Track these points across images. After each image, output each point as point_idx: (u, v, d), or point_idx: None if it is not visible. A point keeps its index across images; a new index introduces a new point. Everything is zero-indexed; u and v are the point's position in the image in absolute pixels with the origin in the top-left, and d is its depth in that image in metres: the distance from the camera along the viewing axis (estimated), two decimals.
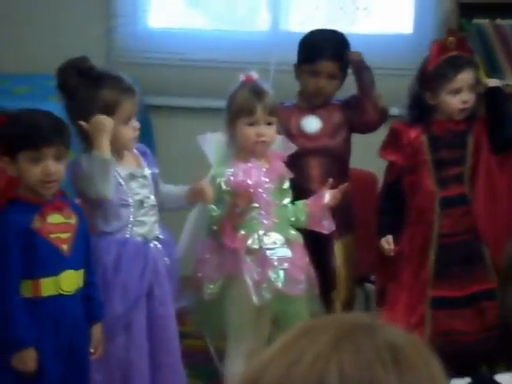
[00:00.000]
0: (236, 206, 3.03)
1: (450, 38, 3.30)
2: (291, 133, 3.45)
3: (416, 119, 3.33)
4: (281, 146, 3.25)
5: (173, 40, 4.48)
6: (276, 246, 3.10)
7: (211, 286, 3.11)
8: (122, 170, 2.92)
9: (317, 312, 3.20)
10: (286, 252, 3.11)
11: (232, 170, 3.12)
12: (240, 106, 3.12)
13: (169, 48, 4.45)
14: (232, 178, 3.07)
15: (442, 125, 3.33)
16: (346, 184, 3.25)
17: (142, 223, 2.93)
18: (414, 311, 3.29)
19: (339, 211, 3.28)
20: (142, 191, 2.96)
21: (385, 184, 3.47)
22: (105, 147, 2.78)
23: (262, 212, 3.08)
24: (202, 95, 4.40)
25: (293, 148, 3.26)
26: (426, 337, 3.20)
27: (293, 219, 3.20)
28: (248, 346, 3.10)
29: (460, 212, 3.32)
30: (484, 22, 4.04)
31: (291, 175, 3.23)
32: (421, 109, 3.32)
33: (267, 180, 3.14)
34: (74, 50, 4.47)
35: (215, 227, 3.09)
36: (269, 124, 3.13)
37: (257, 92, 3.13)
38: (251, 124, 3.11)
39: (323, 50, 3.48)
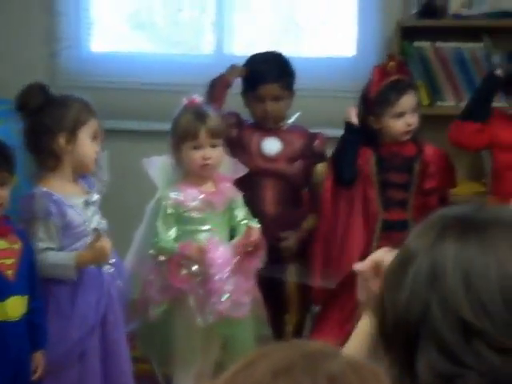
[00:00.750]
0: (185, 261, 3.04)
1: (390, 63, 3.34)
2: (250, 151, 3.47)
3: (364, 141, 3.36)
4: (230, 168, 3.26)
5: (117, 63, 4.48)
6: (221, 270, 3.08)
7: (156, 309, 3.10)
8: (77, 199, 2.91)
9: (265, 335, 3.20)
10: (231, 275, 3.10)
11: (176, 192, 3.12)
12: (184, 130, 3.13)
13: (113, 71, 4.44)
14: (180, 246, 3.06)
15: (389, 148, 3.36)
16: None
17: None
18: (342, 329, 3.30)
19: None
20: (94, 218, 2.96)
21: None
22: (83, 264, 2.82)
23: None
24: (148, 118, 4.40)
25: (242, 170, 3.27)
26: None
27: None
28: (195, 371, 3.09)
29: (399, 237, 3.31)
30: (425, 44, 4.11)
31: (241, 194, 3.24)
32: (367, 132, 3.35)
33: (215, 203, 3.14)
34: (18, 74, 4.47)
35: (162, 258, 3.08)
36: (214, 146, 3.14)
37: (200, 115, 3.14)
38: (196, 147, 3.12)
39: (263, 74, 3.49)
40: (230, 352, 3.16)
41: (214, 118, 3.17)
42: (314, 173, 3.55)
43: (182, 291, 3.05)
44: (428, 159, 3.38)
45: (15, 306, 2.67)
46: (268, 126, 3.51)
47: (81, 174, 2.98)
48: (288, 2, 4.54)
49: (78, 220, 2.88)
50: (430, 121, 3.82)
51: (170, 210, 3.10)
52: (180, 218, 3.12)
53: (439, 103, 4.13)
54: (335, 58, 4.40)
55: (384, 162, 3.34)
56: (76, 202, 2.90)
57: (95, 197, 2.99)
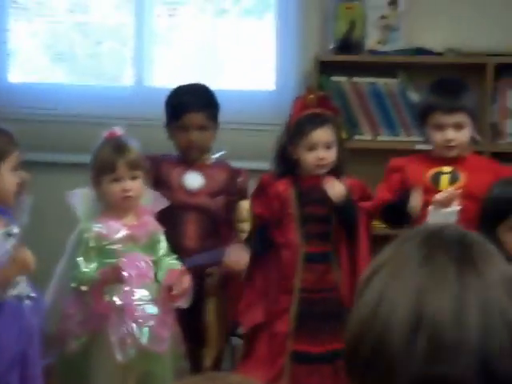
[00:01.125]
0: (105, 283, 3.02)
1: (309, 96, 3.36)
2: (171, 185, 3.46)
3: (283, 172, 3.35)
4: (152, 201, 3.26)
5: (36, 95, 4.44)
6: (142, 302, 3.08)
7: (75, 342, 3.07)
8: None
9: (182, 369, 3.20)
10: (153, 309, 3.09)
11: (99, 225, 3.11)
12: (102, 163, 3.12)
13: (32, 103, 4.41)
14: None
15: (308, 180, 3.34)
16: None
17: (16, 283, 2.87)
18: (274, 363, 3.31)
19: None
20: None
21: (248, 235, 3.45)
22: (6, 279, 2.78)
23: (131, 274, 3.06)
24: (67, 150, 4.37)
25: (164, 203, 3.27)
26: None
27: (159, 277, 3.19)
28: None
29: (322, 269, 3.31)
30: (342, 79, 4.19)
31: (162, 229, 3.23)
32: (286, 163, 3.34)
33: (137, 236, 3.14)
34: None
35: (84, 288, 3.05)
36: (134, 178, 3.13)
37: (118, 148, 3.14)
38: (115, 180, 3.11)
39: (187, 103, 3.50)
40: None
41: (133, 149, 3.16)
42: (236, 209, 3.55)
43: (102, 324, 3.02)
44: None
45: None
46: (192, 157, 3.50)
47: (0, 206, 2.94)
48: (209, 36, 4.59)
49: None
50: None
51: (91, 243, 3.09)
52: (102, 250, 3.10)
53: (357, 137, 4.20)
54: (256, 92, 4.46)
55: (303, 196, 3.33)
56: None
57: (15, 229, 2.95)
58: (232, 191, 3.54)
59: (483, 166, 3.36)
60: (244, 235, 3.46)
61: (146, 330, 3.05)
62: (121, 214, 3.15)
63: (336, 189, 3.25)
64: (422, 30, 4.24)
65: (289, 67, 4.32)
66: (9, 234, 2.91)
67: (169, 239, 3.26)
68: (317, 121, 3.29)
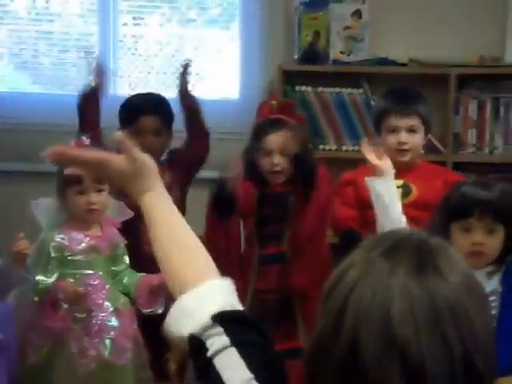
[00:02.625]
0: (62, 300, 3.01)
1: (272, 102, 3.40)
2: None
3: (250, 175, 3.35)
4: (116, 211, 3.23)
5: (1, 103, 4.42)
6: (104, 314, 3.07)
7: (36, 354, 3.04)
8: None
9: (145, 379, 3.19)
10: (114, 321, 3.08)
11: (61, 235, 3.10)
12: (68, 175, 3.08)
13: None
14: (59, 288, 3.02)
15: (264, 183, 3.36)
16: None
17: None
18: None
19: None
20: None
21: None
22: None
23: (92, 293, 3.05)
24: (32, 159, 4.34)
25: (128, 214, 3.25)
26: None
27: (122, 288, 3.19)
28: None
29: (276, 270, 3.35)
30: (307, 89, 4.22)
31: (124, 241, 3.22)
32: (250, 166, 3.34)
33: (100, 247, 3.13)
34: None
35: (36, 298, 3.03)
36: (99, 191, 3.11)
37: None
38: (81, 192, 3.08)
39: (142, 106, 3.53)
40: None
41: None
42: None
43: (63, 336, 3.01)
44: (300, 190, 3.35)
45: None
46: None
47: None
48: (175, 45, 4.59)
49: None
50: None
51: (53, 253, 3.06)
52: (64, 261, 3.07)
53: (321, 146, 4.23)
54: (220, 101, 4.47)
55: (262, 197, 3.36)
56: None
57: None
58: (179, 180, 3.56)
59: (432, 173, 3.40)
60: None
61: (107, 341, 3.04)
62: (85, 225, 3.13)
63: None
64: (386, 40, 4.28)
65: (253, 76, 4.34)
66: None
67: (131, 249, 3.26)
68: (274, 126, 3.31)
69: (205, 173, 4.18)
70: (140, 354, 3.17)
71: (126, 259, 3.23)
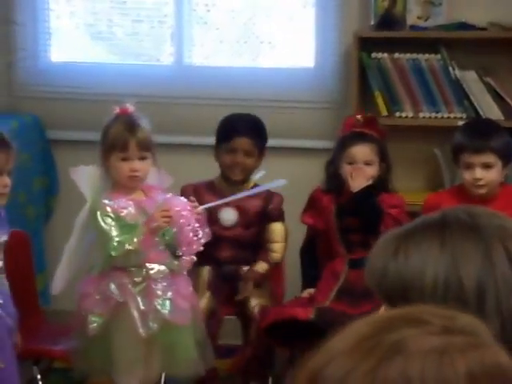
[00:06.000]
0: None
1: (357, 117, 3.64)
2: (209, 219, 3.58)
3: (330, 188, 3.60)
4: (157, 179, 3.21)
5: (76, 74, 4.44)
6: (160, 276, 3.07)
7: (95, 320, 3.06)
8: None
9: (200, 341, 3.21)
10: (170, 283, 3.09)
11: (109, 200, 3.06)
12: (113, 141, 3.07)
13: (71, 82, 4.41)
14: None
15: (348, 194, 3.54)
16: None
17: None
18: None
19: None
20: None
21: (304, 243, 3.74)
22: None
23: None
24: None
25: (169, 181, 3.22)
26: None
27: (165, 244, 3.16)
28: (140, 381, 3.08)
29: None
30: (383, 56, 4.14)
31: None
32: (334, 178, 3.58)
33: (147, 208, 3.09)
34: None
35: (129, 247, 3.00)
36: (142, 159, 3.09)
37: (130, 126, 3.09)
38: (124, 159, 3.06)
39: (239, 127, 3.68)
40: (172, 359, 3.15)
41: (144, 129, 3.11)
42: (268, 230, 3.71)
43: (123, 301, 3.02)
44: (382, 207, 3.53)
45: None
46: (234, 177, 3.65)
47: None
48: (247, 14, 4.55)
49: None
50: (390, 131, 3.84)
51: (111, 215, 3.04)
52: (119, 224, 3.05)
53: (397, 114, 4.15)
54: (294, 69, 4.42)
55: (342, 210, 3.56)
56: None
57: (3, 238, 2.97)
58: (265, 218, 3.71)
59: None
60: (275, 255, 3.70)
61: (167, 302, 3.05)
62: (128, 191, 3.11)
63: (357, 179, 3.50)
64: (465, 4, 4.16)
65: (328, 44, 4.28)
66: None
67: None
68: (358, 138, 3.56)
69: (281, 142, 4.20)
70: (196, 315, 3.18)
71: None
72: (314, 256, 3.69)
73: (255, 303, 3.59)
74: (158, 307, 3.03)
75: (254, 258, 3.68)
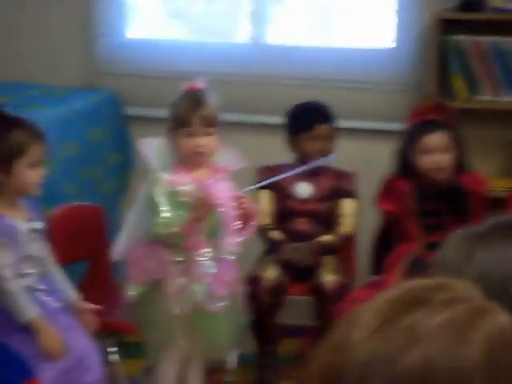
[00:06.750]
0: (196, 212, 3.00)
1: (426, 103, 3.63)
2: (284, 194, 3.75)
3: (403, 172, 3.58)
4: (228, 160, 3.18)
5: (152, 51, 4.47)
6: (204, 259, 3.07)
7: (134, 289, 3.08)
8: (22, 224, 2.94)
9: (241, 324, 3.22)
10: (212, 267, 3.07)
11: (170, 174, 3.06)
12: (178, 117, 3.07)
13: (148, 59, 4.43)
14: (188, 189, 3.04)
15: (425, 179, 3.54)
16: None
17: (26, 276, 2.96)
18: None
19: None
20: (34, 245, 2.99)
21: (379, 229, 3.75)
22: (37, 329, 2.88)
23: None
24: None
25: (241, 163, 3.19)
26: None
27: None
28: (179, 355, 3.11)
29: None
30: (463, 38, 4.07)
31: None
32: (405, 166, 3.57)
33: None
34: (54, 60, 4.49)
35: (175, 229, 3.00)
36: (208, 135, 3.07)
37: (196, 102, 3.07)
38: (189, 135, 3.06)
39: (318, 115, 3.77)
40: (207, 344, 3.15)
41: (210, 105, 3.09)
42: (339, 205, 3.78)
43: (162, 278, 3.03)
44: (466, 187, 3.53)
45: None
46: (312, 162, 3.69)
47: (25, 197, 3.01)
48: None
49: (19, 244, 2.92)
50: (467, 114, 3.79)
51: (164, 190, 3.03)
52: (171, 199, 3.04)
53: (477, 97, 4.08)
54: (371, 50, 4.37)
55: (420, 192, 3.55)
56: (20, 227, 2.94)
57: (39, 224, 3.01)
58: (338, 194, 3.78)
59: None
60: (343, 228, 3.76)
61: (202, 287, 3.04)
62: (193, 167, 3.10)
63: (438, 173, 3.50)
64: None
65: (408, 25, 4.22)
66: (32, 229, 2.98)
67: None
68: (431, 126, 3.53)
69: (361, 123, 4.19)
70: (237, 301, 3.17)
71: None
72: (391, 241, 3.68)
73: (330, 279, 3.61)
74: (193, 290, 3.03)
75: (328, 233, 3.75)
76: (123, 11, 4.51)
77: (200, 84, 3.13)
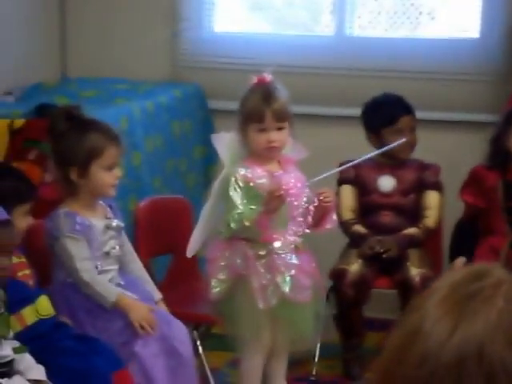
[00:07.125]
0: (268, 205, 2.98)
1: None
2: (367, 188, 3.77)
3: (495, 164, 3.48)
4: (292, 150, 3.16)
5: (236, 44, 4.49)
6: (284, 251, 3.06)
7: (217, 286, 3.09)
8: (97, 222, 2.99)
9: (320, 314, 3.21)
10: (294, 259, 3.06)
11: (245, 169, 3.05)
12: (250, 112, 3.04)
13: (232, 52, 4.46)
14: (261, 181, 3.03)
15: None
16: None
17: (107, 272, 3.01)
18: None
19: None
20: (110, 242, 3.03)
21: (461, 221, 3.69)
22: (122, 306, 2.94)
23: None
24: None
25: (304, 153, 3.15)
26: None
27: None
28: (264, 347, 3.12)
29: None
30: None
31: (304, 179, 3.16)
32: (499, 154, 3.46)
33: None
34: (140, 54, 4.55)
35: (247, 223, 2.99)
36: (280, 129, 3.05)
37: (267, 97, 3.04)
38: (261, 130, 3.03)
39: (401, 108, 3.76)
40: (283, 330, 3.14)
41: (281, 100, 3.05)
42: (423, 197, 3.77)
43: (246, 272, 3.03)
44: None
45: (46, 305, 2.75)
46: (403, 157, 3.76)
47: (101, 199, 3.05)
48: None
49: (96, 241, 2.97)
50: None
51: (241, 184, 3.03)
52: (247, 193, 3.03)
53: None
54: (458, 40, 4.32)
55: (510, 188, 3.46)
56: (96, 225, 2.98)
57: (115, 222, 3.04)
58: (422, 186, 3.78)
59: None
60: (428, 220, 3.74)
61: (288, 278, 3.03)
62: (265, 161, 3.09)
63: None
64: None
65: (495, 14, 4.15)
66: (109, 227, 3.02)
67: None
68: None
69: (441, 115, 4.14)
70: (318, 291, 3.17)
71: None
72: (471, 233, 3.61)
73: (416, 272, 3.59)
74: (279, 283, 3.02)
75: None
76: (207, 5, 4.54)
77: (269, 77, 3.11)
